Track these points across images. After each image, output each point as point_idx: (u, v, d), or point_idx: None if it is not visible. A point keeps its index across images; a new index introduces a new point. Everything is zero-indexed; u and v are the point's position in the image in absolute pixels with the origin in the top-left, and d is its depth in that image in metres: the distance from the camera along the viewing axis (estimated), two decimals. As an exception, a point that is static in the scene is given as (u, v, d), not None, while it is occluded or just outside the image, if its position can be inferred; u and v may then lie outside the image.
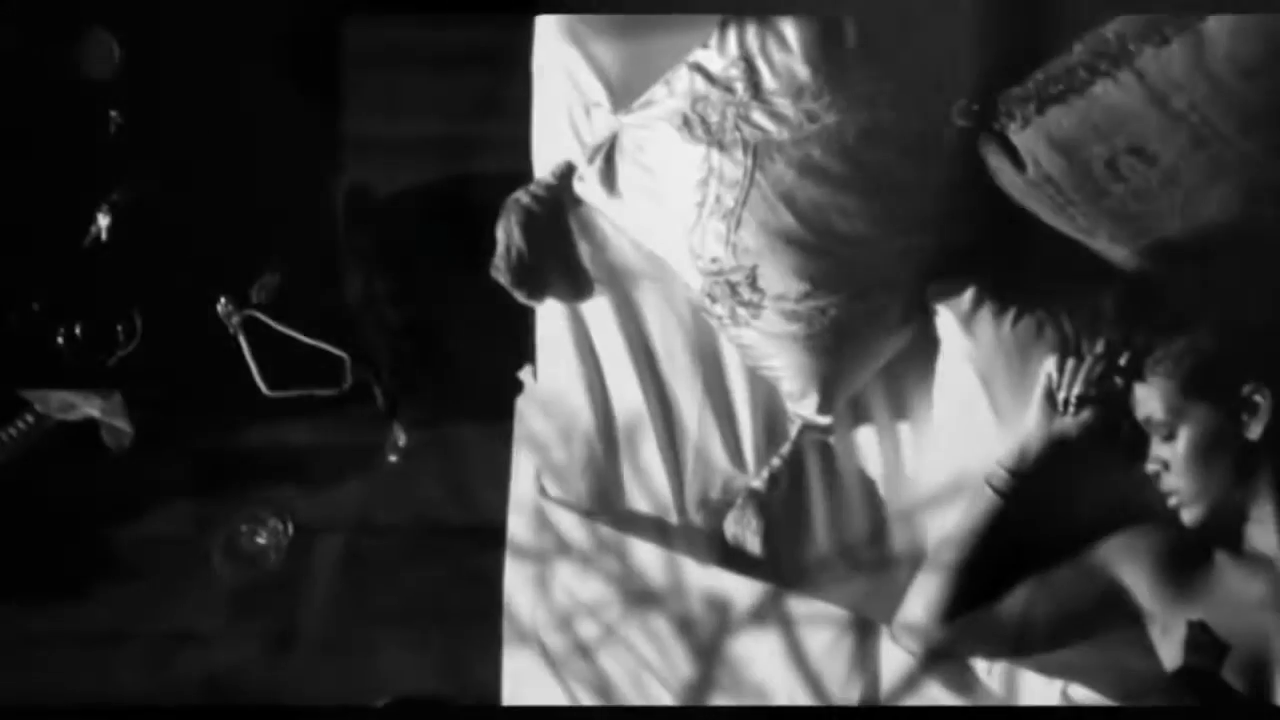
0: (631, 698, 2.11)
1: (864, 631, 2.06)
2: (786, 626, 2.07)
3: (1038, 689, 2.01)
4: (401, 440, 2.47)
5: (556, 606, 2.15)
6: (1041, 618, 1.98)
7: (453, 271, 2.35)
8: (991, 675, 2.03)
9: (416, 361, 2.45)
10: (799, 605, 2.07)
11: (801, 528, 2.14)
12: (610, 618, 2.13)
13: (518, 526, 2.19)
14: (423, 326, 2.46)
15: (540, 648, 2.16)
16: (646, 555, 2.12)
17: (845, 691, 2.05)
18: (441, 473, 2.48)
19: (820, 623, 2.06)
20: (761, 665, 2.08)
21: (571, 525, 2.15)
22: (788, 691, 2.05)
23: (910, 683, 2.04)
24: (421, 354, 2.45)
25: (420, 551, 2.52)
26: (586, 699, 2.12)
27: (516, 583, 2.18)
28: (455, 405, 2.46)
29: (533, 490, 2.17)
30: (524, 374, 2.25)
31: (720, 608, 2.10)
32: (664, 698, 2.09)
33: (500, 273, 2.15)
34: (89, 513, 2.48)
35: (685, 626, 2.10)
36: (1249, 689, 1.85)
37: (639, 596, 2.12)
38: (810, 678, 2.05)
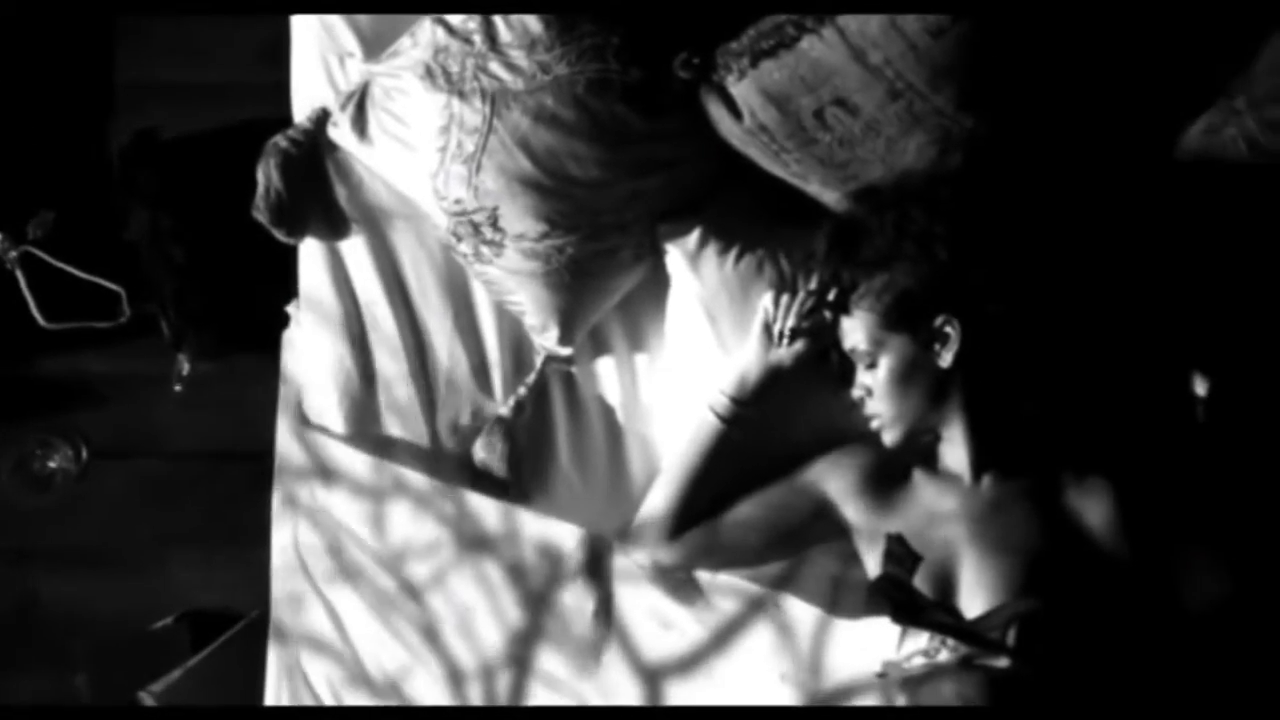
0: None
1: (598, 547, 2.12)
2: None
3: (755, 598, 2.09)
4: (185, 370, 2.47)
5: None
6: (759, 532, 2.03)
7: (230, 211, 2.34)
8: (714, 586, 2.10)
9: (199, 296, 2.44)
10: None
11: (545, 451, 2.18)
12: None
13: (285, 451, 2.21)
14: (204, 263, 2.45)
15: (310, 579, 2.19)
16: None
17: (580, 602, 2.11)
18: (222, 401, 2.50)
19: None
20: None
21: (336, 450, 2.18)
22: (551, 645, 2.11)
23: (639, 593, 2.11)
24: (203, 289, 2.44)
25: (205, 475, 2.53)
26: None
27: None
28: (233, 338, 2.46)
29: (295, 417, 2.20)
30: (291, 308, 2.26)
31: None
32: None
33: (260, 213, 2.16)
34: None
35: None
36: (936, 594, 1.92)
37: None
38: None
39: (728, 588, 2.09)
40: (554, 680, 2.11)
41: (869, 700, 1.99)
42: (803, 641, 2.06)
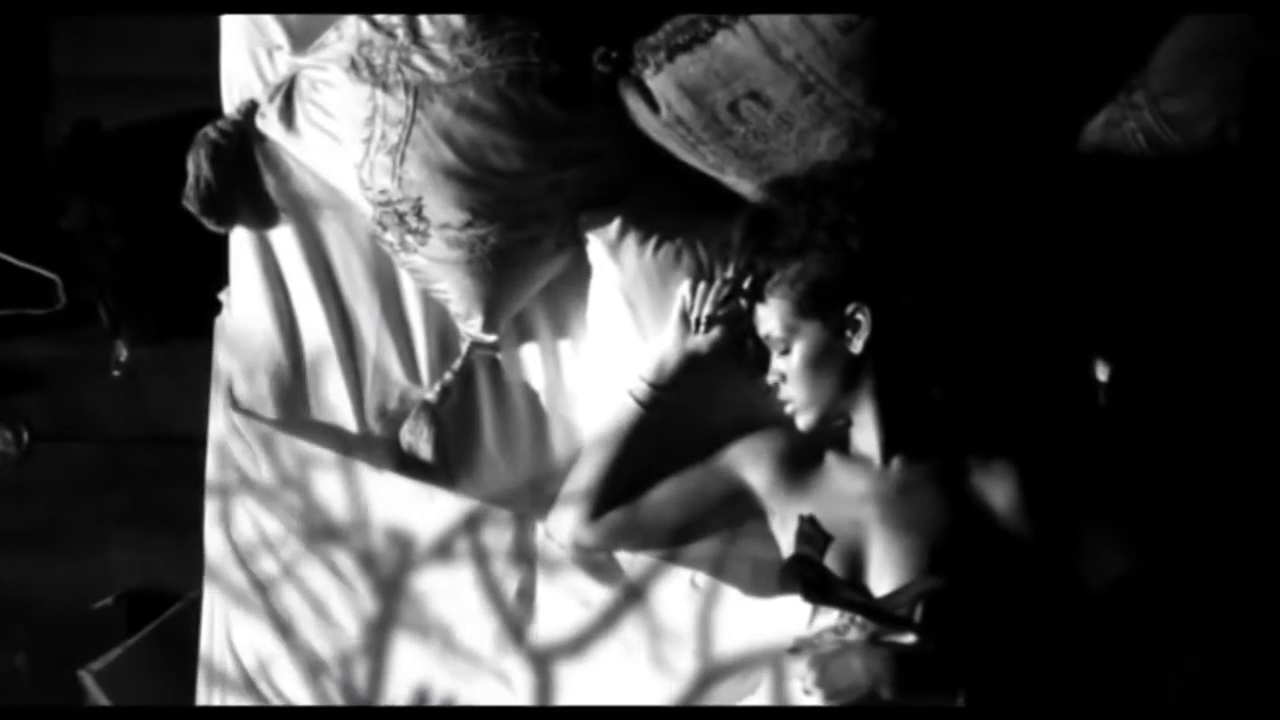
0: (312, 634, 2.14)
1: (522, 527, 2.13)
2: (471, 560, 2.13)
3: (672, 577, 2.10)
4: (123, 356, 2.47)
5: (242, 540, 2.18)
6: (676, 515, 2.05)
7: (166, 200, 2.34)
8: (633, 566, 2.11)
9: (136, 283, 2.44)
10: (486, 537, 2.12)
11: (471, 435, 2.18)
12: (291, 552, 2.16)
13: (216, 435, 2.22)
14: (141, 251, 2.44)
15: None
16: (329, 489, 2.14)
17: (505, 583, 2.12)
18: (158, 386, 2.50)
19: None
20: (443, 599, 2.13)
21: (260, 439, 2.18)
22: (472, 625, 2.12)
23: (561, 573, 2.12)
24: (140, 276, 2.44)
25: (142, 458, 2.53)
26: (270, 634, 2.15)
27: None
28: (169, 324, 2.46)
29: (225, 401, 2.20)
30: (223, 295, 2.26)
31: (403, 543, 2.14)
32: (350, 630, 2.13)
33: (190, 202, 2.16)
34: None
35: (367, 562, 2.14)
36: (847, 573, 1.94)
37: (321, 531, 2.15)
38: (497, 606, 2.11)
39: (647, 567, 2.10)
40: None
41: (763, 672, 2.01)
42: (692, 618, 2.08)
